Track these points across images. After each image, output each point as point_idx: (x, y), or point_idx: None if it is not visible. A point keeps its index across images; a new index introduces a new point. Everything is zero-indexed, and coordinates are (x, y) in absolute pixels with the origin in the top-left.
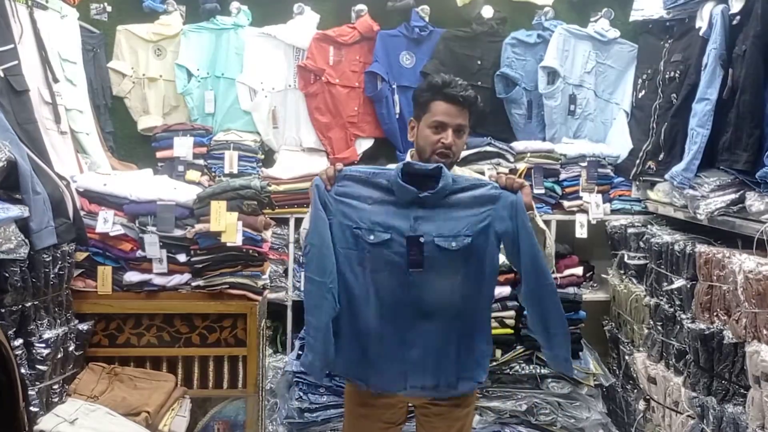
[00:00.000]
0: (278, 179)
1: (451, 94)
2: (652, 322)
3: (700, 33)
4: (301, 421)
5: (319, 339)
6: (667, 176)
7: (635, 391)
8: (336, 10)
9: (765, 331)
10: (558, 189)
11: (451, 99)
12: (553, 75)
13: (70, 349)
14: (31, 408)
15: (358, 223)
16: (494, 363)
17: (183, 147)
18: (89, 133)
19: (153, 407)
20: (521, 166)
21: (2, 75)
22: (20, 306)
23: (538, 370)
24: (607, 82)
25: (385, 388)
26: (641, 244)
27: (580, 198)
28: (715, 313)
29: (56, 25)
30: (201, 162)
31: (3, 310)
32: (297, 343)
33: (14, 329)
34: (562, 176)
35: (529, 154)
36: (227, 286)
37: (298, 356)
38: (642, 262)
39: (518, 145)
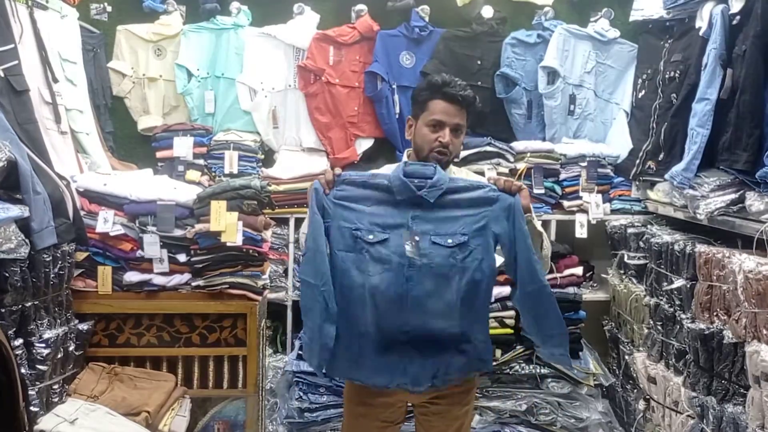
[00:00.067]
0: (278, 179)
1: (450, 93)
2: (652, 322)
3: (700, 33)
4: (301, 420)
5: (315, 340)
6: (667, 176)
7: (635, 391)
8: (336, 10)
9: (765, 331)
10: (558, 189)
11: (450, 98)
12: (553, 75)
13: (70, 349)
14: (31, 408)
15: (357, 224)
16: (494, 363)
17: (183, 147)
18: (89, 133)
19: (153, 407)
20: (521, 166)
21: (2, 75)
22: (20, 306)
23: (538, 370)
24: (607, 82)
25: (384, 385)
26: (641, 244)
27: (580, 198)
28: (715, 313)
29: (56, 25)
30: (201, 162)
31: (3, 310)
32: (297, 343)
33: (14, 329)
34: (562, 176)
35: (529, 154)
36: (227, 286)
37: (298, 356)
38: (642, 262)
39: (518, 145)
